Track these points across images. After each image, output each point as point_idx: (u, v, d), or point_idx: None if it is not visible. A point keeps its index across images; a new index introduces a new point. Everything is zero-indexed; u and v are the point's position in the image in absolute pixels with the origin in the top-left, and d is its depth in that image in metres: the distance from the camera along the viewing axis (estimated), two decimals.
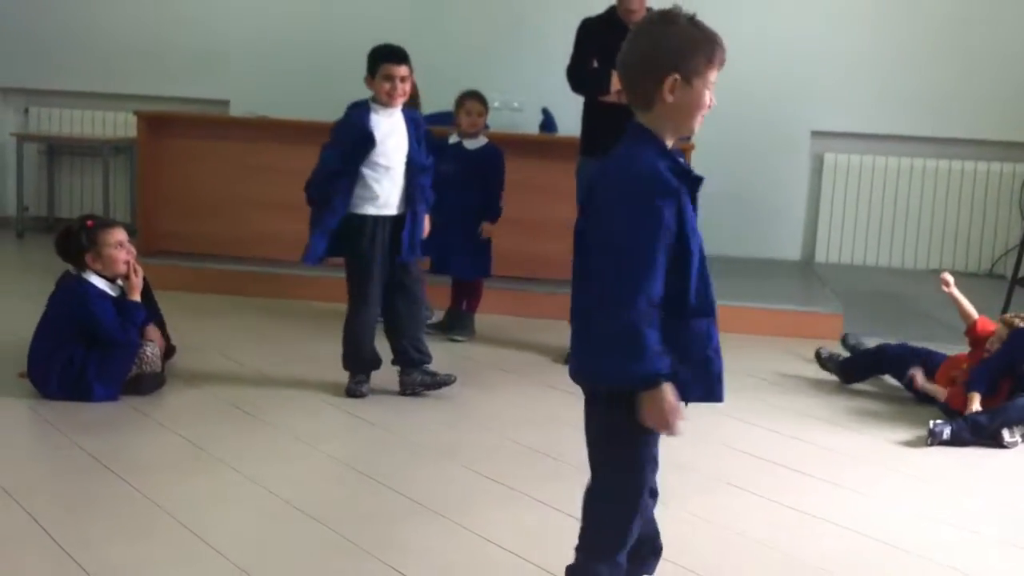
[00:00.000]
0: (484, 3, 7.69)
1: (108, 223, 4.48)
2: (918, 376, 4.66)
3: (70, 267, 4.40)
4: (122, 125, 8.05)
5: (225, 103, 7.89)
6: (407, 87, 4.41)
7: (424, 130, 4.60)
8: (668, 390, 2.12)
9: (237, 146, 6.76)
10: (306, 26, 7.80)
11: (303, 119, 6.57)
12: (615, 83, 4.97)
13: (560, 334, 5.36)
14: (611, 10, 5.16)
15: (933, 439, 4.15)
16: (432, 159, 4.68)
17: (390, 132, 4.40)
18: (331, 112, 6.86)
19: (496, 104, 6.61)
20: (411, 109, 4.65)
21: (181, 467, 3.61)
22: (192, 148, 6.79)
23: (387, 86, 4.35)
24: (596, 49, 5.11)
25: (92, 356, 4.19)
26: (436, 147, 5.51)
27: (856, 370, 5.01)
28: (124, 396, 4.24)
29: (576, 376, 2.34)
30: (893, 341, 5.09)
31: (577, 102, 5.31)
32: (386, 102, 4.38)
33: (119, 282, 4.35)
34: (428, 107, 6.09)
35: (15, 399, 4.21)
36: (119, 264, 4.31)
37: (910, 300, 6.70)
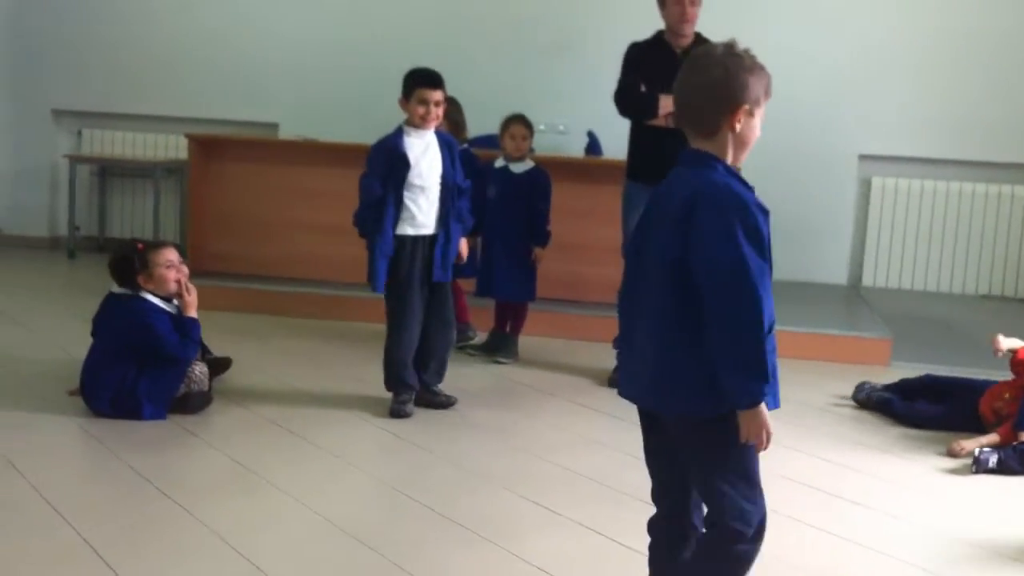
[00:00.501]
0: (529, 26, 7.73)
1: (158, 244, 4.57)
2: (963, 450, 4.29)
3: (117, 287, 4.47)
4: (173, 147, 8.18)
5: (274, 126, 7.98)
6: (440, 111, 4.50)
7: (459, 152, 4.67)
8: (763, 405, 2.22)
9: (285, 169, 6.84)
10: (353, 50, 7.88)
11: (350, 142, 6.63)
12: (663, 107, 4.98)
13: (603, 356, 5.41)
14: (659, 34, 5.16)
15: (979, 467, 4.09)
16: (469, 182, 4.73)
17: (423, 153, 4.47)
18: (377, 136, 7.00)
19: (541, 127, 6.65)
20: (446, 133, 4.74)
21: (228, 487, 3.64)
22: (241, 170, 6.89)
23: (422, 110, 4.42)
24: (644, 73, 5.12)
25: (144, 374, 4.25)
26: (480, 170, 5.58)
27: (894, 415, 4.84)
28: (172, 415, 4.30)
29: (663, 407, 2.34)
30: (940, 372, 5.00)
31: (623, 125, 5.31)
32: (420, 125, 4.46)
33: (174, 301, 4.41)
34: (474, 130, 6.14)
35: (66, 416, 4.28)
36: (170, 283, 4.37)
37: (959, 325, 6.62)
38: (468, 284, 5.77)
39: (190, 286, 4.43)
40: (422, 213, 4.46)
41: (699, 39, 5.12)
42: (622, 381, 2.45)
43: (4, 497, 3.43)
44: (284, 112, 8.00)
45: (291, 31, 8.05)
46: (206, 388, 4.41)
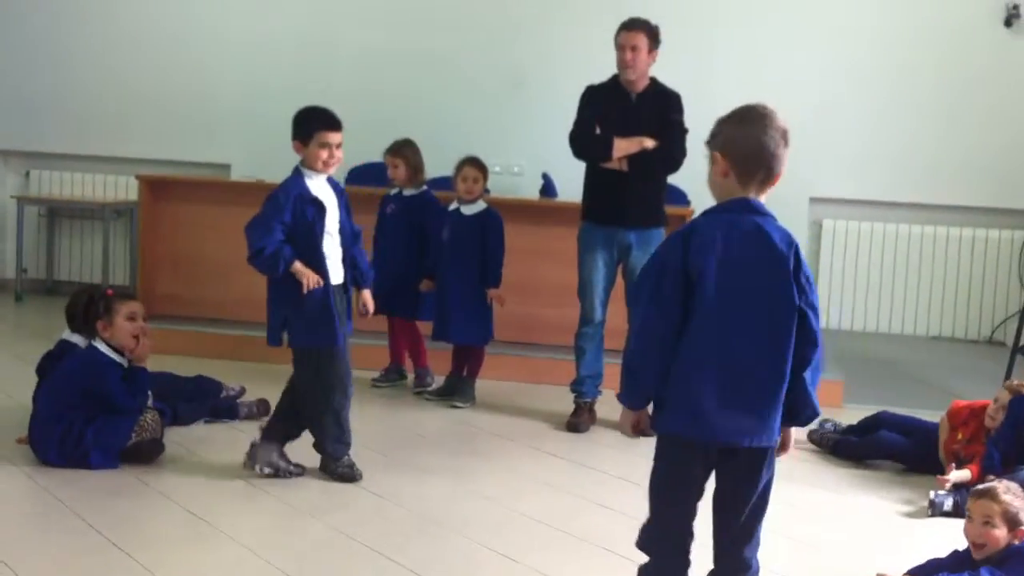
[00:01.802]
0: (485, 68, 7.76)
1: (127, 295, 4.55)
2: (947, 482, 4.27)
3: (69, 334, 4.40)
4: (123, 188, 8.09)
5: (226, 167, 7.93)
6: (341, 155, 4.17)
7: (347, 198, 4.33)
8: None
9: (238, 210, 6.68)
10: (305, 92, 7.80)
11: None
12: (618, 149, 5.02)
13: (559, 399, 5.40)
14: (614, 78, 5.21)
15: (934, 510, 4.12)
16: (361, 227, 4.46)
17: (327, 197, 4.18)
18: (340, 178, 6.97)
19: (496, 169, 6.66)
20: (333, 178, 4.31)
21: (182, 538, 3.57)
22: (193, 212, 6.82)
23: (324, 154, 4.10)
24: (599, 115, 5.16)
25: (92, 423, 4.16)
26: (441, 212, 5.61)
27: (853, 449, 4.89)
28: (124, 464, 4.20)
29: (765, 439, 2.56)
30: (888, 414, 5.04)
31: (578, 167, 5.34)
32: (321, 170, 4.14)
33: (125, 354, 4.34)
34: (432, 172, 6.14)
35: (13, 465, 4.17)
36: (128, 336, 4.30)
37: (910, 367, 6.69)
38: (426, 327, 5.75)
39: (148, 338, 4.37)
40: (335, 261, 4.19)
41: (654, 84, 5.18)
42: (714, 424, 2.51)
43: None
44: (236, 153, 7.94)
45: (243, 72, 8.01)
46: (158, 436, 4.33)
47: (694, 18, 7.35)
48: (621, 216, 5.14)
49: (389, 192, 5.91)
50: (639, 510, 2.79)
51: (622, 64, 5.10)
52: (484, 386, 5.68)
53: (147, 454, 4.26)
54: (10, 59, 8.27)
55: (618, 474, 4.43)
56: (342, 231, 4.24)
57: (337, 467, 4.22)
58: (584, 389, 5.24)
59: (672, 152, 5.07)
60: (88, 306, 4.37)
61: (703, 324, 2.48)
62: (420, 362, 5.81)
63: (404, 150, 5.78)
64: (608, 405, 4.66)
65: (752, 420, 2.51)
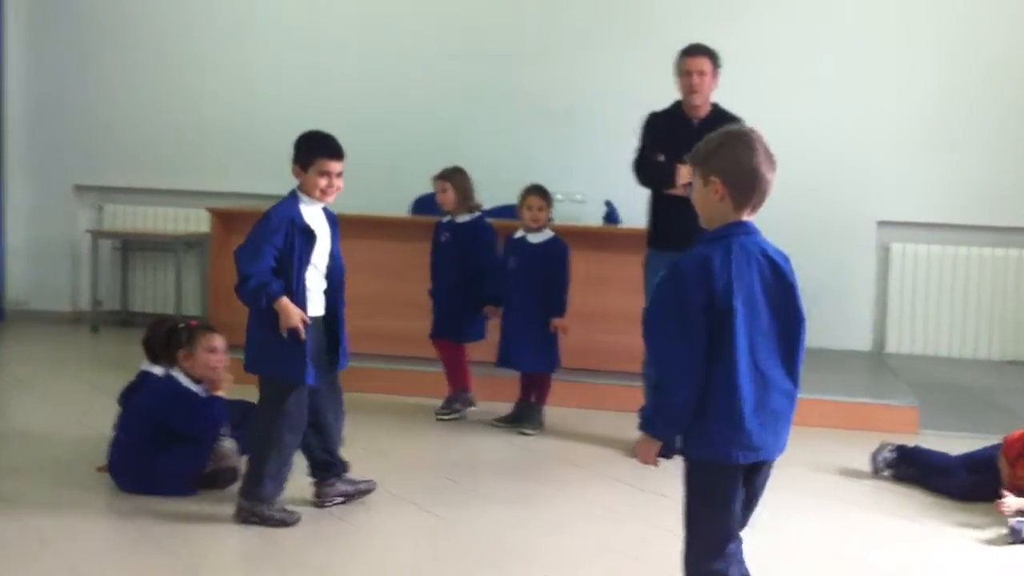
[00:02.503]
0: (544, 96, 7.82)
1: (209, 327, 4.58)
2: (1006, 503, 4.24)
3: (149, 364, 4.49)
4: (194, 221, 8.26)
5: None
6: (341, 184, 4.03)
7: (338, 230, 4.14)
8: None
9: None
10: (369, 124, 7.97)
11: (368, 214, 6.69)
12: (681, 176, 5.02)
13: (625, 426, 5.36)
14: (677, 104, 5.22)
15: (1015, 537, 4.03)
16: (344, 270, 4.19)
17: (320, 228, 4.02)
18: (394, 206, 7.06)
19: (559, 197, 6.70)
20: (328, 208, 4.14)
21: (255, 564, 3.63)
22: None
23: (323, 182, 3.96)
24: (661, 142, 5.17)
25: (169, 451, 4.25)
26: (490, 239, 5.73)
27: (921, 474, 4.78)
28: (200, 491, 4.27)
29: (782, 449, 2.66)
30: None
31: (641, 194, 5.35)
32: (319, 198, 4.00)
33: (203, 384, 4.42)
34: (493, 200, 6.18)
35: (93, 493, 4.27)
36: (206, 368, 4.38)
37: (985, 392, 6.57)
38: (474, 350, 5.78)
39: (228, 373, 4.44)
40: (317, 292, 4.01)
41: (716, 110, 5.17)
42: (757, 445, 2.57)
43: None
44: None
45: (306, 106, 8.13)
46: (234, 464, 4.39)
47: (757, 45, 7.34)
48: (687, 242, 5.10)
49: (441, 220, 5.96)
50: None
51: (688, 89, 5.11)
52: (550, 413, 5.69)
53: (223, 481, 4.32)
54: (85, 97, 8.51)
55: None
56: (335, 262, 4.08)
57: (269, 511, 3.94)
58: None
59: None
60: (170, 336, 4.44)
61: (733, 350, 2.52)
62: (464, 383, 5.85)
63: (452, 175, 5.82)
64: None
65: (778, 434, 2.61)
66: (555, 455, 5.17)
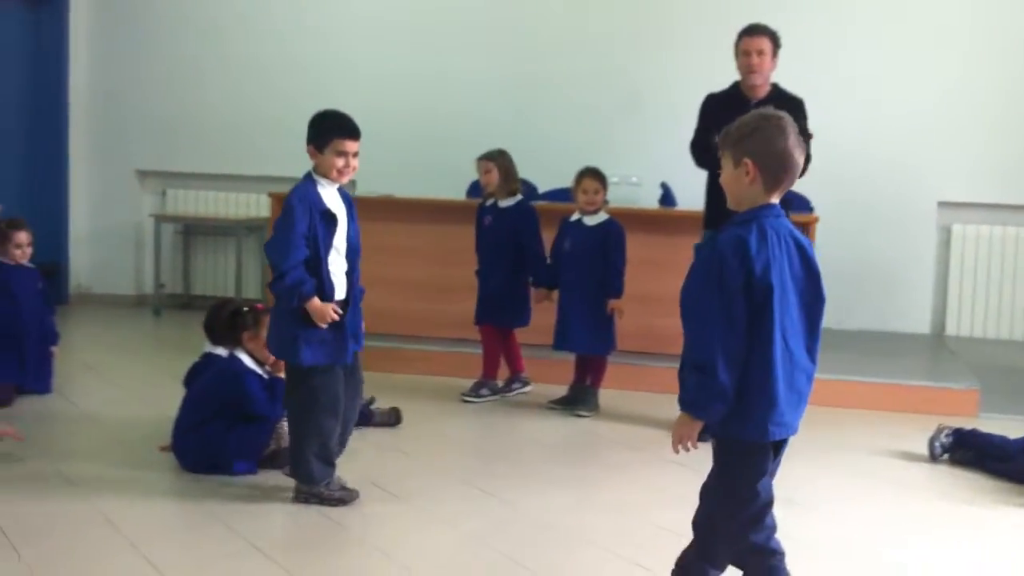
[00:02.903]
0: (600, 78, 7.81)
1: None
2: None
3: (212, 346, 4.58)
4: (254, 205, 8.39)
5: (351, 183, 8.11)
6: (357, 164, 3.98)
7: (355, 209, 4.11)
8: None
9: (363, 225, 6.90)
10: (427, 107, 8.04)
11: (427, 198, 6.74)
12: None
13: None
14: (735, 84, 5.19)
15: None
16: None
17: (339, 209, 3.99)
18: (450, 191, 7.10)
19: (615, 179, 6.69)
20: (343, 188, 4.06)
21: (323, 545, 3.68)
22: None
23: (340, 162, 3.90)
24: (718, 123, 5.11)
25: (234, 431, 4.33)
26: (533, 223, 5.72)
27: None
28: (261, 470, 4.36)
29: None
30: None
31: (697, 176, 5.33)
32: (335, 179, 3.95)
33: (266, 367, 4.49)
34: (548, 183, 6.19)
35: (158, 472, 4.36)
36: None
37: None
38: (523, 333, 5.83)
39: None
40: (340, 276, 3.97)
41: (776, 90, 5.13)
42: (783, 422, 2.62)
43: (104, 555, 3.50)
44: (360, 169, 8.11)
45: (365, 96, 8.18)
46: None
47: (817, 26, 7.26)
48: None
49: (484, 203, 5.97)
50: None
51: (747, 69, 5.07)
52: (607, 395, 5.71)
53: (284, 461, 4.38)
54: (148, 85, 8.65)
55: None
56: (350, 244, 4.03)
57: (326, 491, 4.00)
58: None
59: None
60: (235, 318, 4.52)
61: (771, 329, 2.56)
62: (518, 366, 5.90)
63: (496, 156, 5.84)
64: None
65: (800, 412, 2.67)
66: (612, 438, 5.18)
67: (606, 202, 5.76)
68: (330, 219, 3.89)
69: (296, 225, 3.81)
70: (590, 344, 5.64)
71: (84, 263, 8.80)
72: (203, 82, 8.56)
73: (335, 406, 3.97)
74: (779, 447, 2.71)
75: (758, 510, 2.68)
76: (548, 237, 5.81)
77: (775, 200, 2.66)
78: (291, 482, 4.08)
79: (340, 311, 3.89)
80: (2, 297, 5.58)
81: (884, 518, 4.11)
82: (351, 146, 3.93)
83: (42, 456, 4.52)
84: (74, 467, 4.39)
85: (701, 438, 2.67)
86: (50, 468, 4.35)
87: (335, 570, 3.46)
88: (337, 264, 3.95)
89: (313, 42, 8.37)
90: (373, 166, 7.96)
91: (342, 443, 4.14)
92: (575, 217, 5.68)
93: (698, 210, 5.42)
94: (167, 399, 4.74)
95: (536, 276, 5.75)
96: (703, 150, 5.17)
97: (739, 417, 2.59)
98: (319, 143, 3.94)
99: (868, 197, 7.18)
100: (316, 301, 3.84)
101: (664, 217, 6.72)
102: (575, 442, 5.12)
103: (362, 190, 7.95)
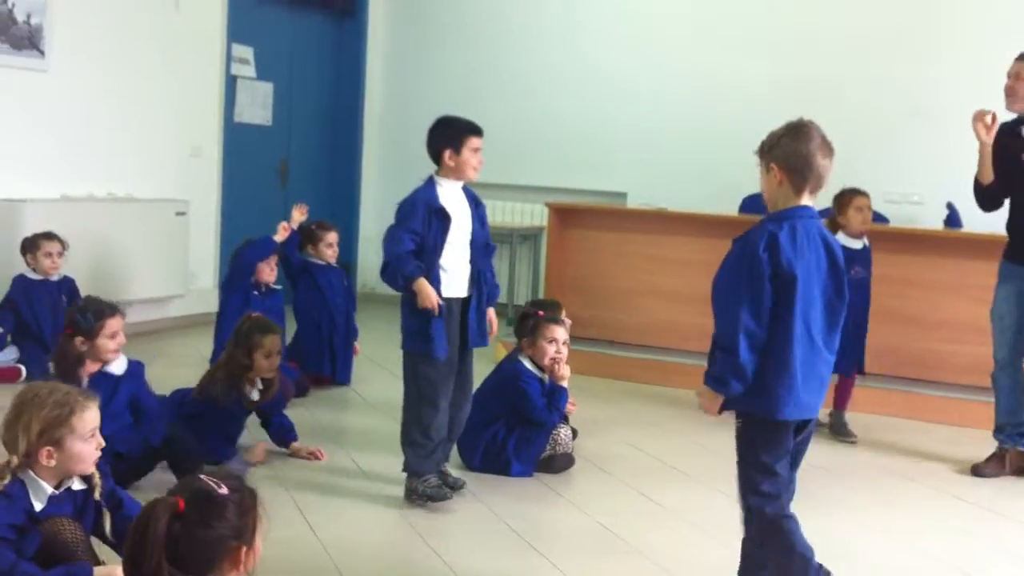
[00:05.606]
0: (879, 90, 7.56)
1: (554, 320, 4.80)
2: None
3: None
4: (528, 214, 8.69)
5: (622, 195, 8.30)
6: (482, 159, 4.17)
7: (483, 210, 4.28)
8: None
9: (636, 237, 7.10)
10: (696, 120, 8.06)
11: (696, 211, 6.80)
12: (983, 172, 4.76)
13: (960, 441, 5.24)
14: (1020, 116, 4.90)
15: None
16: (495, 245, 4.37)
17: (458, 208, 4.12)
18: (719, 205, 7.10)
19: (895, 198, 6.51)
20: (470, 188, 4.28)
21: (595, 550, 3.81)
22: (594, 238, 7.22)
23: (475, 159, 4.11)
24: (998, 156, 4.86)
25: (514, 434, 4.57)
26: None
27: None
28: (537, 473, 4.57)
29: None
30: None
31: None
32: (471, 176, 4.15)
33: (544, 372, 4.70)
34: (823, 201, 6.07)
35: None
36: (545, 357, 4.66)
37: None
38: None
39: (565, 363, 4.67)
40: (457, 274, 4.11)
41: None
42: (800, 403, 2.86)
43: (406, 554, 3.80)
44: (631, 181, 8.29)
45: (637, 107, 8.36)
46: (570, 451, 4.66)
47: None
48: None
49: None
50: None
51: (1006, 92, 4.83)
52: (876, 422, 5.59)
53: (559, 466, 4.61)
54: (433, 96, 9.13)
55: None
56: (474, 243, 4.15)
57: (420, 485, 4.11)
58: (1000, 436, 4.96)
59: None
60: (520, 322, 4.79)
61: (792, 316, 2.81)
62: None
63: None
64: None
65: (821, 396, 2.93)
66: (881, 466, 5.07)
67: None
68: (444, 216, 4.05)
69: (404, 221, 4.03)
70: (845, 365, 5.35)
71: (371, 264, 9.40)
72: (482, 97, 8.92)
73: (433, 397, 4.08)
74: (800, 429, 2.94)
75: (768, 469, 2.90)
76: None
77: (807, 201, 2.90)
78: (559, 483, 4.24)
79: (442, 304, 4.01)
80: (312, 294, 6.10)
81: (960, 539, 3.83)
82: (481, 143, 4.16)
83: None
84: (364, 459, 4.69)
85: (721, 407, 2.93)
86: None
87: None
88: (450, 260, 4.08)
89: (586, 61, 8.58)
90: (643, 175, 8.15)
91: (451, 438, 4.30)
92: (848, 241, 5.34)
93: (988, 233, 5.20)
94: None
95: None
96: (975, 189, 4.95)
97: (758, 394, 2.86)
98: (456, 146, 4.12)
99: None
100: (421, 280, 3.98)
101: (948, 239, 6.37)
102: (837, 467, 5.00)
103: (632, 201, 8.11)
